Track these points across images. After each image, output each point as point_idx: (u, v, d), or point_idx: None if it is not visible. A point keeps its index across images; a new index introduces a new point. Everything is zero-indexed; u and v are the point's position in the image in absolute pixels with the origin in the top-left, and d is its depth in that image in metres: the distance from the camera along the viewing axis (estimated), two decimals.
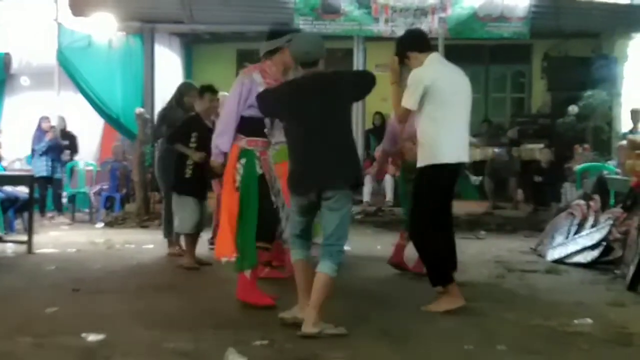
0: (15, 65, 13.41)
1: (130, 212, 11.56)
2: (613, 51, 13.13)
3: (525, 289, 6.43)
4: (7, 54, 13.28)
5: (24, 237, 8.55)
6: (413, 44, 5.61)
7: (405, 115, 5.54)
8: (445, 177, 5.47)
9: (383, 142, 7.38)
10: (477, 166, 12.52)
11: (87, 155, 13.06)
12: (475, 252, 8.41)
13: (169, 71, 13.44)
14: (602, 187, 9.24)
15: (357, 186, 5.02)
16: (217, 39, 14.47)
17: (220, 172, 5.66)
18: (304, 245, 4.87)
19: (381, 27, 11.77)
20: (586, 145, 11.67)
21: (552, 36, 13.18)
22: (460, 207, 10.44)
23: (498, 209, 11.73)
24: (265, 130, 5.57)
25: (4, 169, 10.31)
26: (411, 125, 6.15)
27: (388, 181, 11.90)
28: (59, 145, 11.91)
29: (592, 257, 7.53)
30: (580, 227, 8.17)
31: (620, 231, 7.49)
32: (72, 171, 12.45)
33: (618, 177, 9.16)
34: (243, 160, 5.40)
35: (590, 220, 8.12)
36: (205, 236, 7.96)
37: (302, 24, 11.53)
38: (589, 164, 10.81)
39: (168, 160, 7.74)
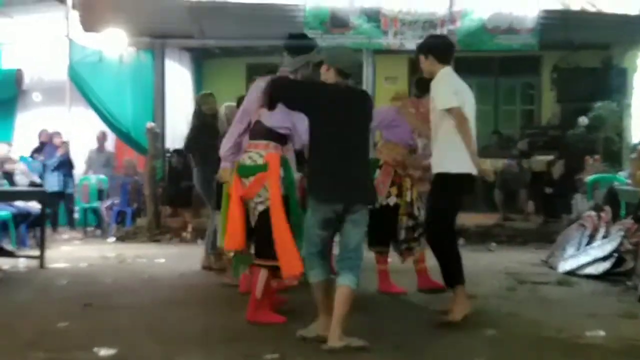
0: (27, 81, 13.50)
1: (141, 227, 11.59)
2: (623, 62, 13.13)
3: (536, 301, 6.41)
4: (18, 70, 13.38)
5: (36, 252, 8.59)
6: (439, 51, 5.54)
7: (461, 113, 5.33)
8: (454, 184, 5.46)
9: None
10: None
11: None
12: (486, 264, 8.39)
13: (179, 86, 13.52)
14: (612, 198, 9.23)
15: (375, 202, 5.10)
16: (227, 54, 14.52)
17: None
18: (323, 264, 4.81)
19: (390, 40, 11.77)
20: (597, 157, 11.64)
21: (562, 47, 13.16)
22: (471, 219, 10.45)
23: (508, 221, 11.69)
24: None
25: (10, 183, 10.33)
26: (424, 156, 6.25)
27: None
28: (70, 160, 11.98)
29: (604, 269, 7.50)
30: (592, 238, 8.15)
31: (632, 242, 7.46)
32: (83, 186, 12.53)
33: (629, 188, 9.14)
34: (281, 170, 5.26)
35: (602, 232, 8.10)
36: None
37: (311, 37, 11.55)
38: (600, 175, 10.78)
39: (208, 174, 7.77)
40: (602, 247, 7.74)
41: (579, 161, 11.58)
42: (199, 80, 15.13)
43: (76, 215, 12.22)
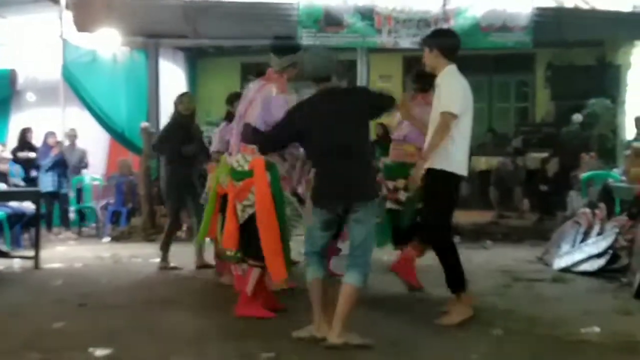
0: (20, 81, 13.47)
1: (136, 226, 11.57)
2: (617, 59, 13.16)
3: (531, 298, 6.42)
4: (12, 71, 13.35)
5: (31, 253, 8.58)
6: (446, 48, 5.49)
7: (449, 122, 5.29)
8: (454, 186, 5.47)
9: None
10: (482, 176, 12.54)
11: (94, 169, 13.08)
12: (482, 261, 8.39)
13: (173, 85, 13.46)
14: (607, 195, 9.25)
15: (377, 197, 4.98)
16: (221, 53, 14.52)
17: None
18: (320, 263, 4.85)
19: (384, 39, 11.78)
20: (592, 154, 11.66)
21: (555, 45, 13.20)
22: (466, 217, 10.46)
23: (503, 219, 11.71)
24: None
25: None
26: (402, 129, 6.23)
27: None
28: (65, 160, 11.96)
29: (599, 266, 7.51)
30: (586, 235, 8.16)
31: (627, 239, 7.47)
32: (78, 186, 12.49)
33: (623, 185, 9.15)
34: (268, 174, 5.34)
35: (596, 229, 8.11)
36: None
37: (305, 36, 11.57)
38: (594, 172, 10.80)
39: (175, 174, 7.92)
40: (596, 244, 7.75)
41: (573, 158, 11.60)
42: (193, 80, 15.12)
43: (72, 215, 12.19)
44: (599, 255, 7.58)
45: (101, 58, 12.37)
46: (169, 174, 8.31)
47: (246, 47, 13.22)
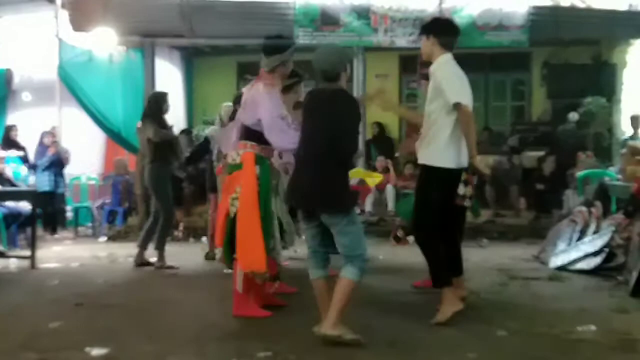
0: (16, 80, 13.44)
1: (132, 226, 11.57)
2: (613, 58, 13.17)
3: (528, 296, 6.43)
4: (8, 70, 13.31)
5: (27, 252, 8.57)
6: (443, 35, 5.49)
7: (468, 109, 5.26)
8: (452, 179, 5.45)
9: None
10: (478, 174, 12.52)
11: (90, 169, 13.06)
12: (478, 260, 8.40)
13: (169, 85, 13.46)
14: (603, 193, 9.26)
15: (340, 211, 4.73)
16: (218, 52, 14.50)
17: None
18: (319, 263, 4.85)
19: (380, 38, 11.78)
20: (589, 152, 11.68)
21: (551, 44, 13.21)
22: None
23: (500, 217, 11.71)
24: None
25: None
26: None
27: (389, 191, 11.92)
28: (62, 160, 11.94)
29: (595, 264, 7.53)
30: (583, 233, 8.17)
31: (623, 237, 7.49)
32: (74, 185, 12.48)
33: (619, 183, 9.17)
34: (257, 168, 5.44)
35: (592, 227, 8.13)
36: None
37: (302, 35, 11.57)
38: (590, 170, 10.81)
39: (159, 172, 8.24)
40: (593, 243, 7.76)
41: (569, 157, 11.61)
42: (190, 79, 15.11)
43: (69, 215, 12.17)
44: (595, 254, 7.60)
45: (97, 57, 12.33)
46: (156, 173, 8.32)
47: (242, 46, 13.19)
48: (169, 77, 13.69)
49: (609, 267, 7.43)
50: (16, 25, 12.94)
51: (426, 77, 6.03)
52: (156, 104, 8.52)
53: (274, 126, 5.29)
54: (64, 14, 12.07)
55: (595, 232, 7.98)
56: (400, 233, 10.09)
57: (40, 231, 10.66)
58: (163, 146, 8.33)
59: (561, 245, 8.28)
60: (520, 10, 11.60)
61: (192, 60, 15.29)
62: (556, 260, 8.02)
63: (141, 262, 8.32)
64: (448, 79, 5.36)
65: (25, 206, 9.71)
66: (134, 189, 11.80)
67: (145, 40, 12.31)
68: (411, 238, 6.96)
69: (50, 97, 12.29)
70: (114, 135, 12.55)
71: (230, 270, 6.85)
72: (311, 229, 4.84)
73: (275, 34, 6.06)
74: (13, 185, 10.46)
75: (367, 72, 12.46)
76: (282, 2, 11.72)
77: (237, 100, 7.44)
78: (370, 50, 12.26)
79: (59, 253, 9.63)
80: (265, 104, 5.36)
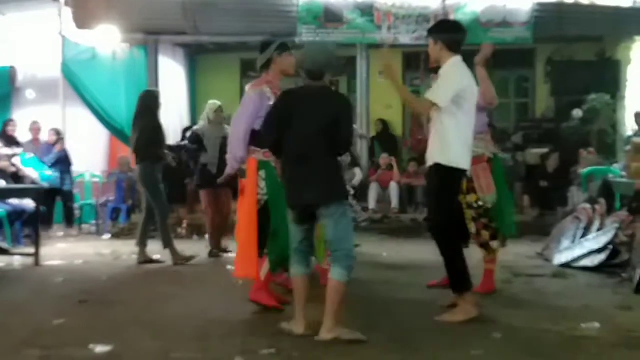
0: (20, 78, 13.45)
1: (136, 223, 11.50)
2: (617, 54, 13.15)
3: (532, 293, 6.43)
4: (12, 68, 13.33)
5: (31, 250, 8.58)
6: (449, 39, 5.47)
7: (428, 109, 5.35)
8: (460, 180, 5.44)
9: None
10: None
11: (94, 166, 13.07)
12: (482, 257, 8.37)
13: (173, 82, 13.49)
14: (607, 190, 9.25)
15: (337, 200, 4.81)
16: (221, 49, 14.49)
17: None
18: (303, 260, 4.88)
19: (384, 35, 11.78)
20: (591, 149, 11.66)
21: (555, 41, 13.19)
22: None
23: None
24: None
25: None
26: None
27: (393, 188, 11.92)
28: (68, 156, 11.95)
29: (599, 261, 7.51)
30: (587, 230, 8.16)
31: (627, 234, 7.48)
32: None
33: (623, 180, 9.15)
34: (263, 172, 5.43)
35: (597, 224, 8.11)
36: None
37: (306, 32, 11.57)
38: (594, 167, 10.80)
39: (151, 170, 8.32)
40: (597, 240, 7.75)
41: (573, 154, 11.60)
42: (193, 76, 15.10)
43: (77, 212, 12.16)
44: (599, 251, 7.58)
45: (101, 55, 12.36)
46: (147, 170, 8.36)
47: (246, 43, 13.18)
48: (172, 75, 13.69)
49: (613, 264, 7.42)
50: (20, 22, 12.95)
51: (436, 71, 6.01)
52: (148, 101, 8.48)
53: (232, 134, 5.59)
54: (68, 12, 12.11)
55: (599, 230, 7.97)
56: None
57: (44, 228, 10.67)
58: (152, 144, 8.31)
59: (565, 243, 8.27)
60: (524, 7, 11.59)
61: (196, 58, 15.28)
62: (560, 258, 8.01)
63: (144, 260, 8.31)
64: (446, 82, 5.35)
65: (29, 204, 9.73)
66: (138, 186, 11.79)
67: (149, 37, 12.33)
68: None
69: (54, 94, 12.31)
70: (118, 133, 12.56)
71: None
72: (302, 231, 4.86)
73: (274, 32, 6.11)
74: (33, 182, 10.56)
75: (371, 69, 12.44)
76: None
77: None
78: (374, 47, 12.24)
79: (62, 250, 9.65)
80: (239, 109, 5.56)
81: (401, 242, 10.09)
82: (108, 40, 12.05)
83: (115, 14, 11.72)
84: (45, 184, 10.88)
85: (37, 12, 12.75)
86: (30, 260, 8.38)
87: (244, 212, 5.47)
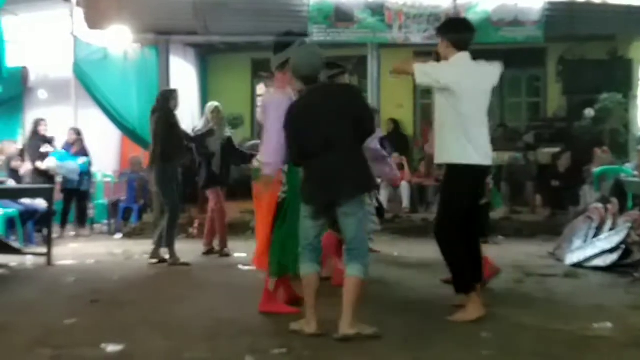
0: (32, 78, 13.53)
1: (148, 223, 11.59)
2: (629, 53, 13.09)
3: (544, 293, 6.41)
4: (24, 68, 13.40)
5: (44, 250, 8.61)
6: (455, 36, 5.46)
7: (406, 72, 5.51)
8: (470, 178, 5.38)
9: None
10: (493, 171, 12.49)
11: (106, 166, 13.11)
12: (493, 256, 8.28)
13: (184, 82, 13.50)
14: (619, 190, 9.20)
15: (370, 191, 4.98)
16: (232, 49, 14.51)
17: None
18: (314, 257, 4.87)
19: (395, 34, 11.75)
20: (605, 148, 11.61)
21: (567, 39, 13.14)
22: None
23: (515, 214, 11.67)
24: None
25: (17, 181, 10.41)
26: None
27: (404, 188, 11.91)
28: (88, 155, 11.98)
29: (611, 261, 7.49)
30: (599, 230, 8.13)
31: (639, 234, 7.45)
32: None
33: (636, 179, 9.11)
34: (285, 167, 5.40)
35: (609, 224, 8.08)
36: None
37: (316, 32, 11.56)
38: (607, 166, 10.75)
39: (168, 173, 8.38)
40: (609, 239, 7.72)
41: (585, 153, 11.55)
42: (204, 76, 15.13)
43: (91, 212, 12.20)
44: (611, 251, 7.56)
45: (112, 55, 12.37)
46: (163, 171, 8.36)
47: (257, 43, 13.20)
48: (183, 75, 13.71)
49: (625, 264, 7.40)
50: (32, 23, 13.02)
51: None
52: (164, 101, 8.52)
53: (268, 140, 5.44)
54: (79, 12, 12.12)
55: (611, 229, 7.94)
56: None
57: (57, 228, 10.71)
58: (170, 145, 8.31)
59: (577, 242, 8.24)
60: (536, 5, 11.54)
61: (207, 58, 15.31)
62: (572, 257, 7.99)
63: (174, 262, 8.22)
64: (434, 65, 5.45)
65: (41, 203, 9.77)
66: (149, 186, 11.82)
67: (160, 37, 12.34)
68: None
69: (66, 94, 12.36)
70: (129, 133, 12.59)
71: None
72: (317, 227, 4.87)
73: (285, 31, 6.05)
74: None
75: (382, 69, 12.41)
76: None
77: None
78: (385, 46, 12.21)
79: (74, 250, 9.68)
80: (271, 114, 5.41)
81: (412, 241, 10.07)
82: (119, 40, 12.07)
83: (126, 14, 11.74)
84: (75, 175, 11.12)
85: (49, 12, 12.80)
86: (42, 260, 8.41)
87: (263, 210, 5.54)
